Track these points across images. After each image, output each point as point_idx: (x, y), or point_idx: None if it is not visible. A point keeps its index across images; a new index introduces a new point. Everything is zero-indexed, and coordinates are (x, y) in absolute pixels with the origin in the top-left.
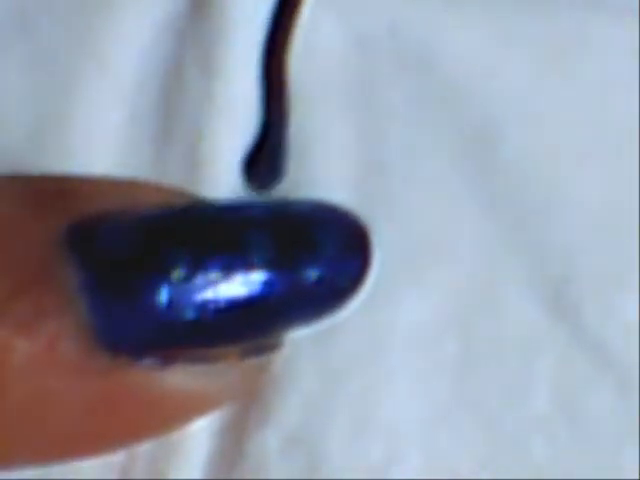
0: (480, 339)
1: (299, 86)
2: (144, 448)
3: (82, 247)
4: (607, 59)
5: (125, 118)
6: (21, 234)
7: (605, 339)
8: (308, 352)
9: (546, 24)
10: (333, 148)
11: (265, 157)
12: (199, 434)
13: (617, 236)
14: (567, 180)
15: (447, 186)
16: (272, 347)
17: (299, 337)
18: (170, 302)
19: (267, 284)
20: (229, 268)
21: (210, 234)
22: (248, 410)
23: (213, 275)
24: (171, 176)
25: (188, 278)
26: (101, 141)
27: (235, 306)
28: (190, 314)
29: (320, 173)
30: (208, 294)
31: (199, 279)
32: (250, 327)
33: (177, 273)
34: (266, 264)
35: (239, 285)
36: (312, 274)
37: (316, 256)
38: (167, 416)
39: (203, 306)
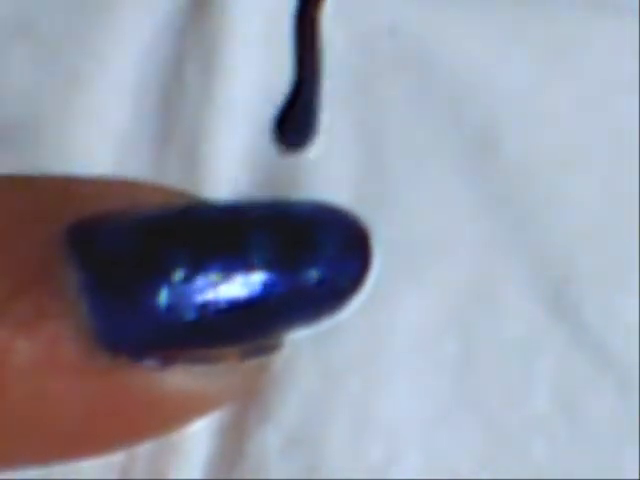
0: (480, 339)
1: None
2: (144, 448)
3: (82, 247)
4: (607, 59)
5: (125, 118)
6: (21, 234)
7: (605, 339)
8: (308, 352)
9: (546, 24)
10: (333, 148)
11: (297, 115)
12: (199, 434)
13: (617, 236)
14: (567, 180)
15: (447, 186)
16: (272, 348)
17: (299, 337)
18: (170, 303)
19: (267, 285)
20: (229, 269)
21: (210, 235)
22: (248, 410)
23: (213, 276)
24: (171, 176)
25: (188, 279)
26: (101, 141)
27: (235, 307)
28: (190, 315)
29: (320, 173)
30: (208, 295)
31: (199, 280)
32: (250, 328)
33: (177, 274)
34: (266, 265)
35: (239, 286)
36: (312, 275)
37: (316, 257)
38: (167, 416)
39: (203, 307)
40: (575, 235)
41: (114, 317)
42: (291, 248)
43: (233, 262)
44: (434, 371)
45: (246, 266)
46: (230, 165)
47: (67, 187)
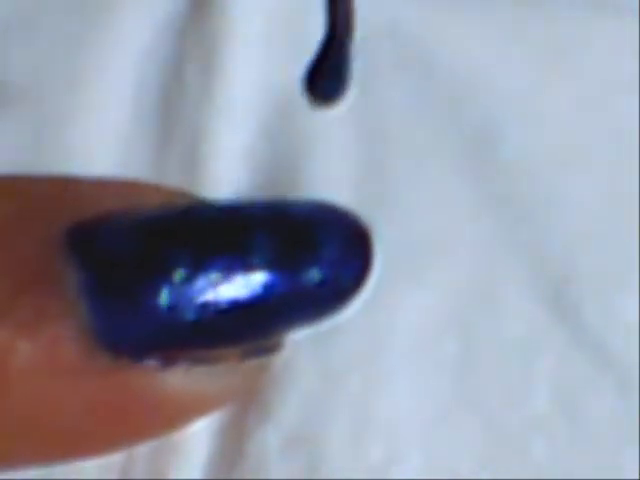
0: (480, 339)
1: (299, 87)
2: (144, 448)
3: (82, 248)
4: (607, 59)
5: (125, 118)
6: (21, 235)
7: (605, 339)
8: (308, 352)
9: (546, 24)
10: (333, 148)
11: (329, 67)
12: (199, 434)
13: (617, 236)
14: (567, 180)
15: (447, 186)
16: (273, 348)
17: (299, 337)
18: (171, 303)
19: (268, 285)
20: (230, 269)
21: (211, 235)
22: (248, 410)
23: (214, 276)
24: (171, 176)
25: (189, 279)
26: (101, 141)
27: (236, 307)
28: (191, 315)
29: (320, 173)
30: (209, 295)
31: (200, 280)
32: (251, 328)
33: (178, 274)
34: (267, 265)
35: (240, 286)
36: (313, 275)
37: (317, 257)
38: (168, 417)
39: (204, 307)
40: (575, 235)
41: (114, 317)
42: (292, 248)
43: (234, 262)
44: (434, 371)
45: (246, 266)
46: (230, 165)
47: (67, 187)
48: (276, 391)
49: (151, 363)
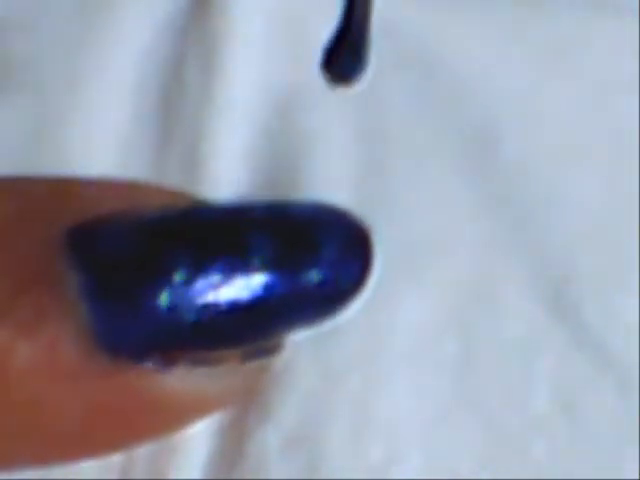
0: (480, 339)
1: (299, 86)
2: (144, 448)
3: (83, 249)
4: (607, 59)
5: (125, 118)
6: (22, 236)
7: (605, 339)
8: (308, 352)
9: (546, 24)
10: (333, 148)
11: (348, 47)
12: (199, 434)
13: (617, 236)
14: (567, 180)
15: (447, 186)
16: (273, 349)
17: (299, 337)
18: (171, 305)
19: (268, 286)
20: (230, 270)
21: (211, 236)
22: (248, 410)
23: (214, 277)
24: (171, 176)
25: (189, 281)
26: (101, 141)
27: (236, 308)
28: (191, 317)
29: (320, 173)
30: (209, 296)
31: (200, 282)
32: (251, 329)
33: (178, 276)
34: (267, 266)
35: (240, 287)
36: (313, 276)
37: (317, 258)
38: (168, 418)
39: (204, 308)
40: (575, 235)
41: (114, 319)
42: (291, 249)
43: (234, 263)
44: (434, 371)
45: (247, 267)
46: (230, 165)
47: (67, 188)
48: (276, 391)
49: (151, 364)
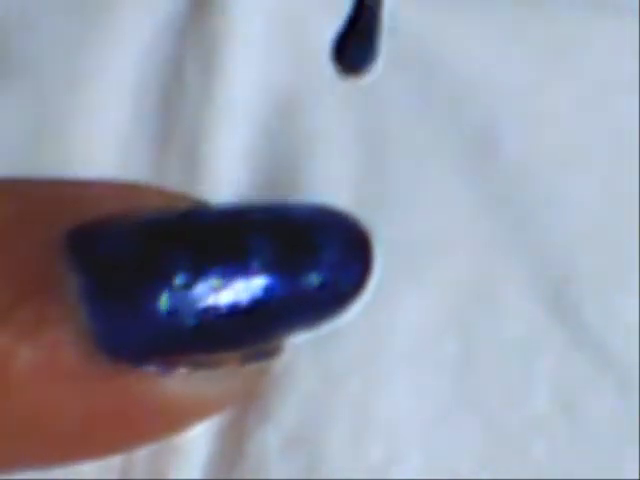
0: (480, 339)
1: (299, 86)
2: (144, 449)
3: (82, 251)
4: (607, 59)
5: (125, 118)
6: (22, 238)
7: (605, 339)
8: (308, 352)
9: (546, 24)
10: (333, 148)
11: (359, 36)
12: (199, 435)
13: (617, 236)
14: (567, 180)
15: (447, 186)
16: (273, 352)
17: (299, 340)
18: (171, 307)
19: (268, 289)
20: (230, 273)
21: (210, 239)
22: (248, 410)
23: (214, 280)
24: (171, 176)
25: (189, 284)
26: (101, 141)
27: (236, 311)
28: (191, 320)
29: (320, 173)
30: (209, 299)
31: (200, 285)
32: (251, 332)
33: (178, 279)
34: (267, 269)
35: (240, 290)
36: (313, 278)
37: (317, 260)
38: (168, 421)
39: (204, 312)
40: (575, 235)
41: (114, 322)
42: (291, 252)
43: (234, 266)
44: (434, 371)
45: (246, 270)
46: (230, 165)
47: (67, 190)
48: (276, 391)
49: (151, 368)
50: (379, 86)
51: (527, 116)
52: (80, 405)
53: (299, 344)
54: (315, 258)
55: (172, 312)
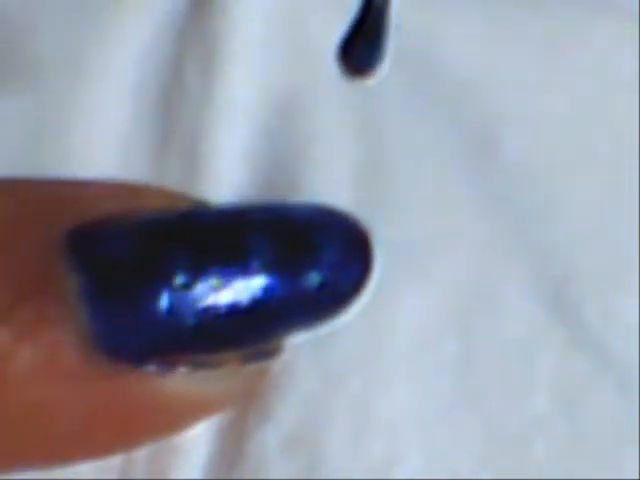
0: (480, 339)
1: (299, 87)
2: (144, 448)
3: (82, 251)
4: (607, 59)
5: (125, 118)
6: (22, 238)
7: (605, 339)
8: (308, 352)
9: (546, 23)
10: (333, 148)
11: (365, 36)
12: (199, 434)
13: (617, 236)
14: (567, 180)
15: (447, 186)
16: (273, 352)
17: (299, 340)
18: (171, 307)
19: (267, 289)
20: (229, 273)
21: (210, 239)
22: (248, 410)
23: (214, 280)
24: (171, 176)
25: (189, 284)
26: (101, 141)
27: (236, 311)
28: (191, 320)
29: (320, 173)
30: (209, 299)
31: (200, 285)
32: (251, 332)
33: (178, 279)
34: (266, 269)
35: (240, 290)
36: (313, 278)
37: (317, 260)
38: (167, 420)
39: (204, 311)
40: (575, 235)
41: (114, 322)
42: (291, 252)
43: (233, 266)
44: (434, 371)
45: (246, 270)
46: (230, 165)
47: (67, 190)
48: (276, 391)
49: (151, 368)
50: (379, 86)
51: (527, 116)
52: (80, 405)
53: (299, 344)
54: (315, 258)
55: (172, 312)
